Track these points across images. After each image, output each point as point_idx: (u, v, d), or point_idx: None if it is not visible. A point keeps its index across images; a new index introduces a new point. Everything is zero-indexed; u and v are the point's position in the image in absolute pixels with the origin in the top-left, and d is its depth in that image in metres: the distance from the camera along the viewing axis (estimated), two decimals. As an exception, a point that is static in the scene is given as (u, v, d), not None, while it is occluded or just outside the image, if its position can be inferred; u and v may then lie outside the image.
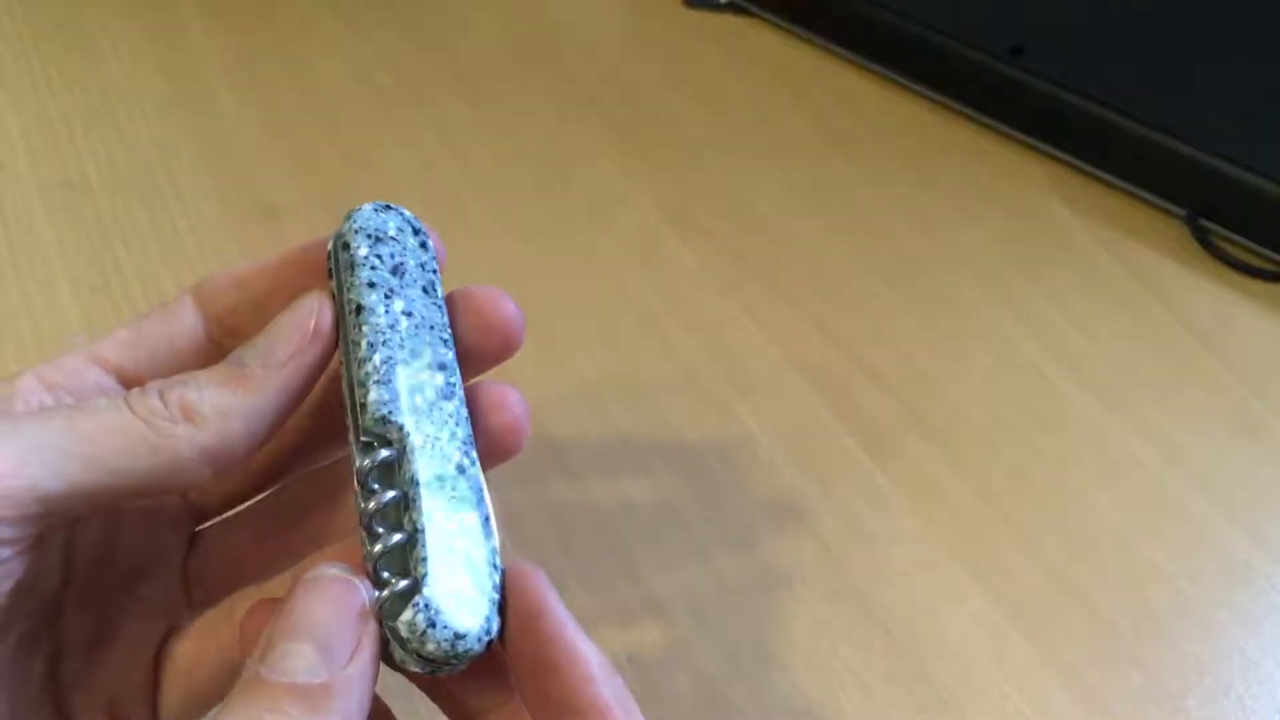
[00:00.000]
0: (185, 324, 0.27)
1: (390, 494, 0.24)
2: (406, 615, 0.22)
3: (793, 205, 0.53)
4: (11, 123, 0.54)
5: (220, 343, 0.27)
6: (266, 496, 0.29)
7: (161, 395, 0.23)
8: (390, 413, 0.24)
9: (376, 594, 0.23)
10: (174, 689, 0.27)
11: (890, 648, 0.37)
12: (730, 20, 0.63)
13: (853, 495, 0.42)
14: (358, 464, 0.24)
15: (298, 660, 0.21)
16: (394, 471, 0.24)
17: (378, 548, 0.23)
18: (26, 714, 0.25)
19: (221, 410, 0.23)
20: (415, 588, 0.23)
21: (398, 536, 0.23)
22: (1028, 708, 0.36)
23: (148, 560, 0.28)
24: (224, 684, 0.27)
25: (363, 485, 0.24)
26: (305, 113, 0.56)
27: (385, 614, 0.23)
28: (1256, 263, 0.50)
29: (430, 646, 0.22)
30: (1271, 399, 0.45)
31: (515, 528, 0.40)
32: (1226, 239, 0.51)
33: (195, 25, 0.60)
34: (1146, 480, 0.42)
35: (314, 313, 0.25)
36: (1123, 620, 0.38)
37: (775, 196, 0.53)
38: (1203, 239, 0.51)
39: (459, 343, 0.26)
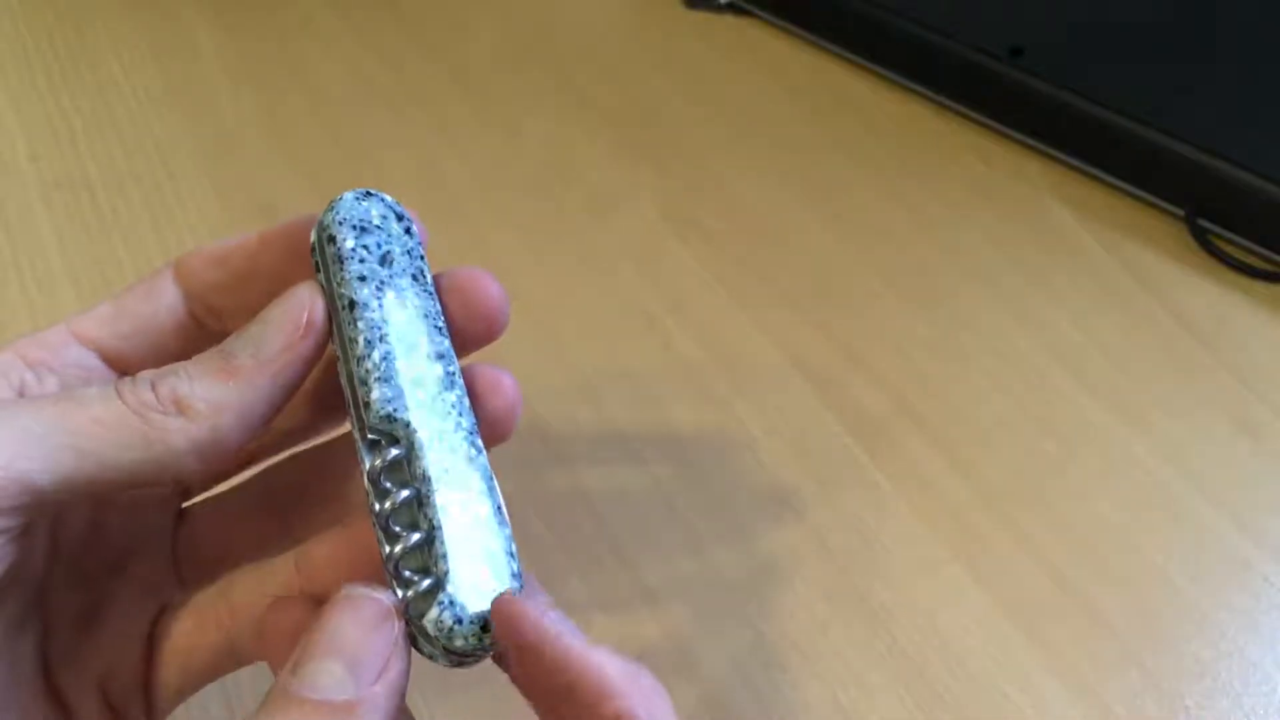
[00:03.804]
0: (166, 301, 0.26)
1: (404, 493, 0.24)
2: (433, 614, 0.23)
3: (792, 205, 0.53)
4: (12, 122, 0.54)
5: (202, 321, 0.27)
6: (255, 474, 0.29)
7: (154, 387, 0.23)
8: (395, 410, 0.24)
9: (401, 595, 0.23)
10: (169, 669, 0.27)
11: (890, 647, 0.37)
12: (730, 20, 0.63)
13: (852, 495, 0.42)
14: (368, 464, 0.24)
15: (327, 678, 0.21)
16: (404, 469, 0.24)
17: (398, 548, 0.23)
18: (18, 693, 0.25)
19: (214, 404, 0.23)
20: (439, 585, 0.23)
21: (416, 536, 0.23)
22: (1028, 708, 0.36)
23: (135, 539, 0.28)
24: (220, 665, 0.27)
25: (375, 485, 0.24)
26: (305, 113, 0.56)
27: (411, 613, 0.23)
28: (1256, 263, 0.50)
29: (459, 642, 0.23)
30: (1271, 399, 0.45)
31: (514, 524, 0.40)
32: (1226, 239, 0.51)
33: (195, 25, 0.60)
34: (1146, 480, 0.42)
35: (305, 306, 0.25)
36: (1123, 620, 0.38)
37: (775, 196, 0.53)
38: (1202, 239, 0.51)
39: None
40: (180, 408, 0.23)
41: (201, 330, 0.27)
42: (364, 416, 0.24)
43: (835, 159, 0.55)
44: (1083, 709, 0.36)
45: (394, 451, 0.24)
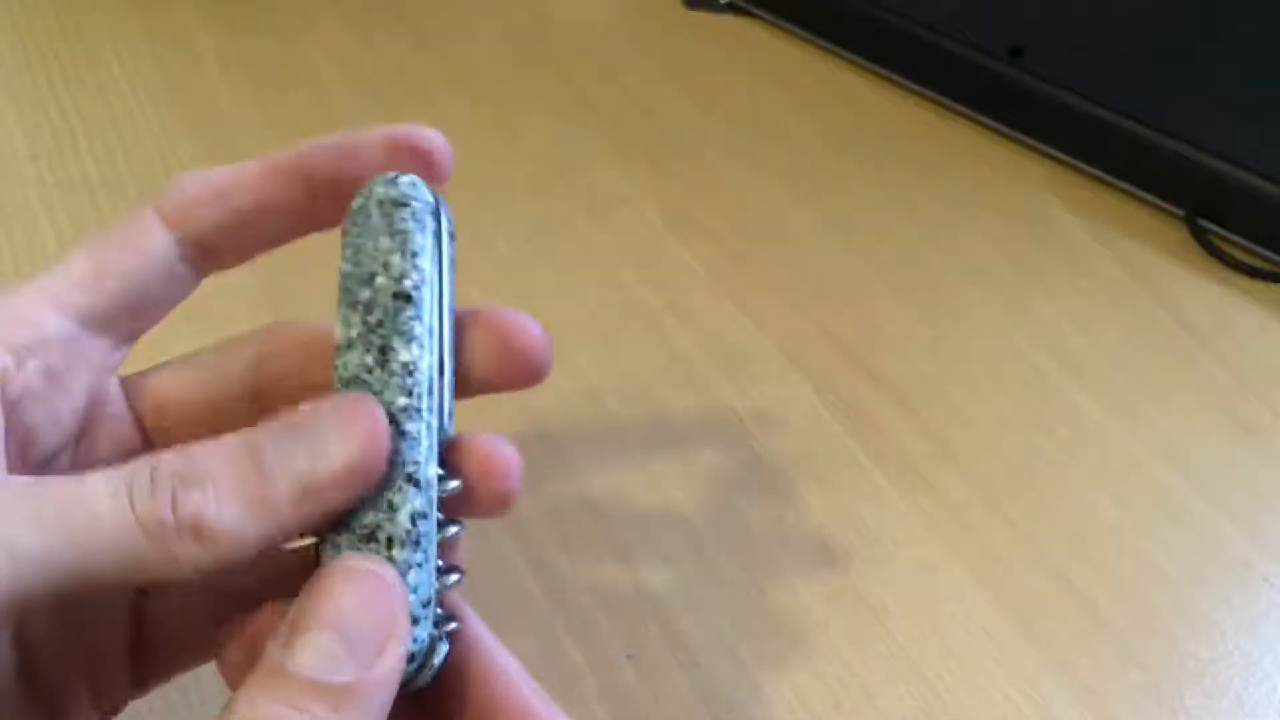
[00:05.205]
0: (154, 251, 0.24)
1: (453, 529, 0.23)
2: (443, 647, 0.23)
3: (793, 205, 0.53)
4: (12, 123, 0.54)
5: (195, 264, 0.24)
6: None
7: (174, 502, 0.20)
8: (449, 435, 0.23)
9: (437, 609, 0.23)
10: (161, 657, 0.25)
11: (890, 647, 0.37)
12: (730, 20, 0.63)
13: (852, 495, 0.42)
14: (437, 488, 0.22)
15: (322, 655, 0.19)
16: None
17: (439, 582, 0.23)
18: None
19: (236, 537, 0.20)
20: (450, 619, 0.23)
21: (455, 576, 0.23)
22: (1028, 708, 0.36)
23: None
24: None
25: (440, 511, 0.22)
26: (305, 113, 0.56)
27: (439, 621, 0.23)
28: (1256, 263, 0.50)
29: (429, 674, 0.22)
30: (1271, 399, 0.45)
31: (515, 527, 0.40)
32: (1226, 239, 0.51)
33: (195, 25, 0.60)
34: (1146, 480, 0.42)
35: (375, 434, 0.21)
36: (1123, 620, 0.38)
37: (775, 196, 0.53)
38: (1202, 239, 0.51)
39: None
40: (197, 535, 0.20)
41: (194, 275, 0.24)
42: (446, 429, 0.22)
43: (835, 159, 0.55)
44: (1082, 709, 0.36)
45: (452, 484, 0.22)
